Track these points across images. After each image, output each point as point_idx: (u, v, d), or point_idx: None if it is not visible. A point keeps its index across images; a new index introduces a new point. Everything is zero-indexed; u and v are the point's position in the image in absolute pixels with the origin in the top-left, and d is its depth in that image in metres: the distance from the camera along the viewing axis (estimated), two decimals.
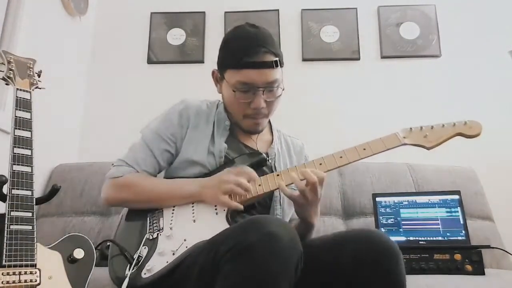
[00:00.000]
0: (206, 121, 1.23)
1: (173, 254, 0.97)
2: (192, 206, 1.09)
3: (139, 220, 1.10)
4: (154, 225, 1.07)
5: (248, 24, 1.18)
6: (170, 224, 1.05)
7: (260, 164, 1.17)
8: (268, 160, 1.21)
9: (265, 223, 0.83)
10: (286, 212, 1.23)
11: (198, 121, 1.22)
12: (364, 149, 1.10)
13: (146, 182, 1.13)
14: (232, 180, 1.04)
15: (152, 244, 1.01)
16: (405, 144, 1.11)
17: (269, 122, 1.35)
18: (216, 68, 1.22)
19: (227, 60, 1.16)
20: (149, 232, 1.05)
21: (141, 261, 0.98)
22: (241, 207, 1.03)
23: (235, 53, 1.12)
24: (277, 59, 1.12)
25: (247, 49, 1.11)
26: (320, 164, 1.10)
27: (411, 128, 1.13)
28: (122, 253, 1.01)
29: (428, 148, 1.12)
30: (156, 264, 0.96)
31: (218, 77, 1.22)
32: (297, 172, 1.07)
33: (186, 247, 0.98)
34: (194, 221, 1.05)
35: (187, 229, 1.03)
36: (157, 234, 1.04)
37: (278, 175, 1.09)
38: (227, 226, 1.00)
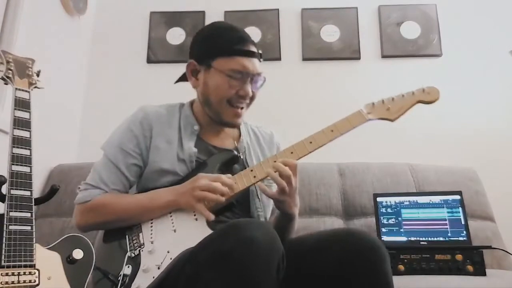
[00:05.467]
0: (169, 126, 1.19)
1: (158, 268, 0.95)
2: (171, 216, 1.05)
3: (117, 240, 1.06)
4: (134, 242, 1.03)
5: (223, 21, 1.22)
6: (151, 238, 1.02)
7: (233, 162, 1.17)
8: (240, 156, 1.20)
9: (243, 228, 0.82)
10: (265, 203, 1.22)
11: (161, 128, 1.18)
12: (332, 130, 1.10)
13: (118, 201, 1.09)
14: (205, 186, 1.01)
15: (135, 262, 0.98)
16: (370, 119, 1.13)
17: None
18: (194, 60, 1.20)
19: (216, 49, 1.15)
20: (130, 250, 1.01)
21: (127, 281, 0.95)
22: (212, 217, 1.00)
23: (227, 41, 1.15)
24: (261, 51, 1.18)
25: (239, 38, 1.15)
26: (292, 152, 1.09)
27: (373, 103, 1.15)
28: (106, 277, 0.98)
29: (392, 120, 1.14)
30: (143, 282, 0.94)
31: (198, 69, 1.19)
32: (269, 165, 1.06)
33: (171, 258, 0.95)
34: (174, 231, 1.02)
35: (169, 241, 1.00)
36: (139, 250, 1.00)
37: (252, 170, 1.09)
38: (209, 231, 0.96)
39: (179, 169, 1.13)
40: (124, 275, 0.96)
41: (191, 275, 0.85)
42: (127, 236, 1.06)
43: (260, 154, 1.27)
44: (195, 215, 1.03)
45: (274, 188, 1.08)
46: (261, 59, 1.18)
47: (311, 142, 1.09)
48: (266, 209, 1.23)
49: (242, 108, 1.18)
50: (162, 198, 1.07)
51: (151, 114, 1.19)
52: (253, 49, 1.16)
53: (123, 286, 0.95)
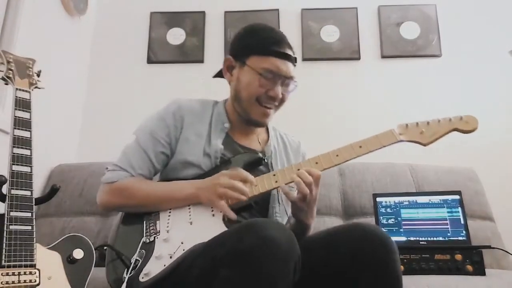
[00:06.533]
0: (200, 121, 1.22)
1: (171, 257, 0.96)
2: (189, 208, 1.08)
3: (135, 224, 1.09)
4: (151, 228, 1.06)
5: (264, 23, 1.27)
6: (167, 227, 1.04)
7: (257, 163, 1.17)
8: (265, 159, 1.20)
9: (262, 227, 0.82)
10: (285, 210, 1.23)
11: (192, 121, 1.21)
12: (360, 146, 1.10)
13: (142, 186, 1.12)
14: (227, 183, 1.03)
15: (149, 248, 1.00)
16: (401, 141, 1.10)
17: None
18: (231, 56, 1.22)
19: (252, 47, 1.18)
20: (145, 236, 1.04)
21: (139, 265, 0.97)
22: (234, 216, 1.02)
23: (264, 41, 1.17)
24: (296, 57, 1.19)
25: (276, 40, 1.17)
26: (316, 163, 1.09)
27: (407, 125, 1.12)
28: (119, 258, 1.00)
29: (424, 144, 1.10)
30: (154, 268, 0.95)
31: (233, 65, 1.22)
32: (293, 172, 1.06)
33: (183, 250, 0.97)
34: (191, 223, 1.04)
35: (184, 232, 1.02)
36: (154, 237, 1.03)
37: (274, 175, 1.09)
38: (224, 228, 0.98)
39: (203, 164, 1.16)
40: (137, 259, 0.98)
41: (204, 270, 0.86)
42: (144, 222, 1.09)
43: (286, 161, 1.28)
44: (212, 210, 1.05)
45: (294, 195, 1.09)
46: (296, 64, 1.19)
47: (337, 155, 1.09)
48: (284, 215, 1.23)
49: (270, 108, 1.19)
50: (184, 190, 1.09)
51: (184, 107, 1.22)
52: (289, 52, 1.17)
53: (134, 270, 0.96)
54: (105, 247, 1.08)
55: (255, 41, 1.19)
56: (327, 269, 0.97)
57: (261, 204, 1.18)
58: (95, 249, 1.07)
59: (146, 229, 1.06)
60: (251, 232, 0.82)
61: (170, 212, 1.08)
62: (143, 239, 1.03)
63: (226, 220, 1.03)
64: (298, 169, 1.06)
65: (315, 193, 1.06)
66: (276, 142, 1.31)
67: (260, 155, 1.19)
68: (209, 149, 1.17)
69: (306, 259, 0.89)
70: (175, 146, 1.18)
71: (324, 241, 1.02)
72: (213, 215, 1.05)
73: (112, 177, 1.14)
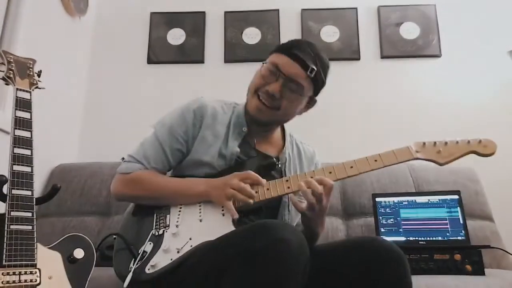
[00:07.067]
0: (220, 122, 1.22)
1: (178, 252, 0.98)
2: (199, 206, 1.09)
3: (145, 216, 1.11)
4: (161, 221, 1.07)
5: None
6: (177, 222, 1.06)
7: (270, 168, 1.17)
8: (278, 165, 1.20)
9: (274, 229, 0.83)
10: (293, 217, 1.24)
11: (212, 121, 1.21)
12: (376, 160, 1.09)
13: (155, 180, 1.14)
14: (236, 185, 1.03)
15: (158, 241, 1.02)
16: (418, 158, 1.10)
17: (283, 128, 1.34)
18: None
19: (278, 47, 1.20)
20: (155, 228, 1.06)
21: (146, 256, 0.99)
22: (236, 216, 1.02)
23: (288, 43, 1.19)
24: (315, 69, 1.12)
25: (298, 45, 1.17)
26: (330, 172, 1.09)
27: (424, 143, 1.12)
28: (128, 247, 1.02)
29: (441, 164, 1.10)
30: (161, 261, 0.97)
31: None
32: (305, 179, 1.05)
33: (191, 246, 0.98)
34: (200, 220, 1.06)
35: (193, 228, 1.03)
36: (163, 230, 1.04)
37: (287, 180, 1.09)
38: (233, 228, 1.00)
39: (217, 164, 1.17)
40: (144, 251, 1.00)
41: (213, 267, 0.87)
42: (155, 214, 1.10)
43: (299, 169, 1.29)
44: (222, 210, 1.06)
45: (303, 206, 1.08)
46: (313, 76, 1.13)
47: (351, 167, 1.09)
48: (292, 222, 1.24)
49: (264, 104, 1.16)
50: (196, 187, 1.10)
51: (205, 106, 1.23)
52: (306, 59, 1.12)
53: (141, 261, 0.98)
54: (114, 236, 1.09)
55: (283, 44, 1.20)
56: (337, 282, 0.98)
57: (271, 208, 1.19)
58: (96, 249, 1.07)
59: (156, 221, 1.08)
60: (263, 232, 0.83)
61: (181, 208, 1.10)
62: (153, 231, 1.05)
63: (235, 221, 1.04)
64: (311, 177, 1.05)
65: (325, 203, 1.05)
66: (291, 150, 1.31)
67: (274, 160, 1.19)
68: (225, 151, 1.18)
69: (317, 270, 0.90)
70: (192, 144, 1.19)
71: (335, 254, 1.03)
72: (223, 214, 1.06)
73: (127, 168, 1.16)
